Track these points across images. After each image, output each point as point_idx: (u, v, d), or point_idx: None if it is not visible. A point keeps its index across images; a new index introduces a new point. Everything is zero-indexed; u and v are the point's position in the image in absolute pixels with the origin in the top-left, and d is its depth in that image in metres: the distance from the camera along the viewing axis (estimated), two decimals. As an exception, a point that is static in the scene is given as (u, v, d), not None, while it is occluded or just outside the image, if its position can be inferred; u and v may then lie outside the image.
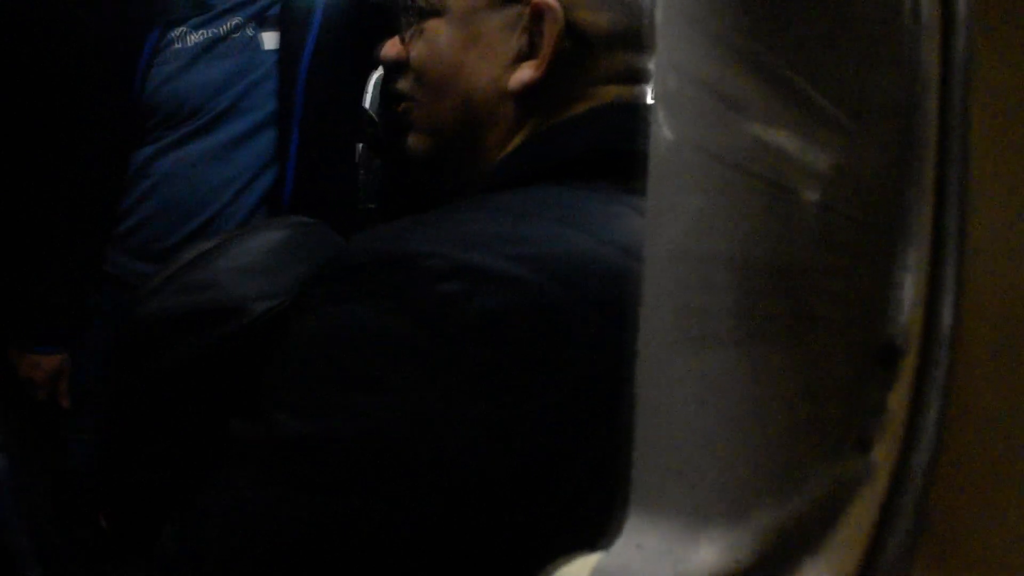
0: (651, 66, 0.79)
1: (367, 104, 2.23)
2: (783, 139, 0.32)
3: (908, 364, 0.30)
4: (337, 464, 0.62)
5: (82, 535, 0.85)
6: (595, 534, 0.39)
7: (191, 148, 1.74)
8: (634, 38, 0.77)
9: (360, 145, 2.21)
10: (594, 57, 0.77)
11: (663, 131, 0.36)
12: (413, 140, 0.83)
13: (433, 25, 0.80)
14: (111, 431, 0.92)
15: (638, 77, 0.79)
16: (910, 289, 0.30)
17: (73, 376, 1.79)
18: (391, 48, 0.84)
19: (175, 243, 1.72)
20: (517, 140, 0.78)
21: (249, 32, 1.78)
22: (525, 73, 0.76)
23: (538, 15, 0.75)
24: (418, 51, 0.81)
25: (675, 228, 0.34)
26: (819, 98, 0.31)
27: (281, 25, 1.78)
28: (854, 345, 0.30)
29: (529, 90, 0.76)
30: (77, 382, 1.79)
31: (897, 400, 0.30)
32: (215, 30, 1.76)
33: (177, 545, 0.65)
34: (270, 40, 1.78)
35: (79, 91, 1.73)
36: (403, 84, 0.83)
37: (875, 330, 0.30)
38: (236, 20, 1.77)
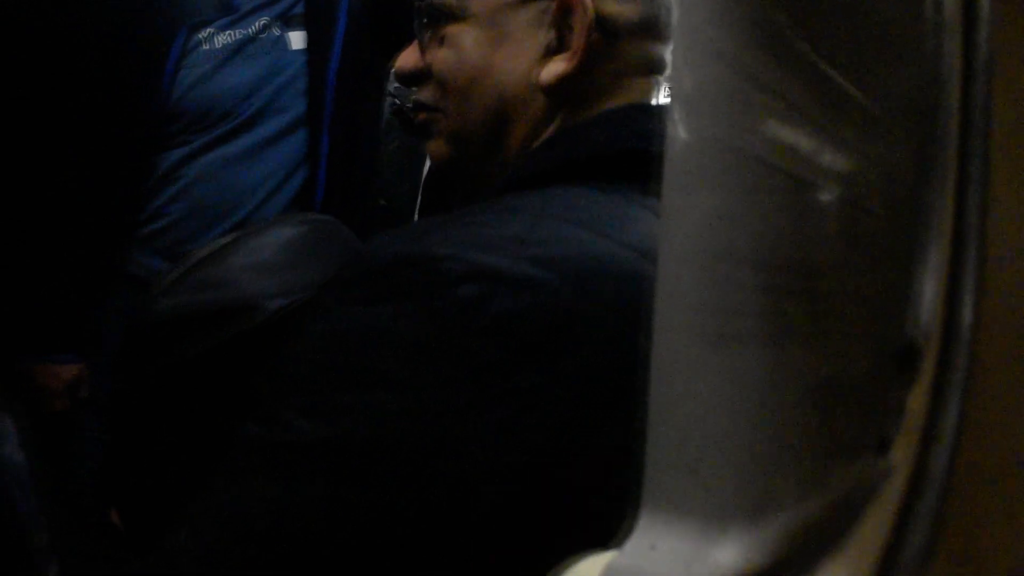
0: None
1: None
2: (802, 136, 0.32)
3: (928, 364, 0.30)
4: (352, 465, 0.62)
5: (95, 533, 0.85)
6: (608, 533, 0.39)
7: (222, 151, 1.74)
8: (659, 29, 0.78)
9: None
10: (622, 48, 0.77)
11: (679, 130, 0.36)
12: (435, 147, 0.83)
13: (455, 30, 0.79)
14: (122, 428, 0.92)
15: (664, 69, 0.79)
16: (930, 288, 0.30)
17: (94, 376, 1.79)
18: (409, 59, 0.83)
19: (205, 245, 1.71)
20: (546, 134, 0.78)
21: (276, 32, 1.77)
22: (558, 66, 0.76)
23: (566, 9, 0.75)
24: (441, 58, 0.80)
25: (692, 226, 0.34)
26: (839, 95, 0.31)
27: (307, 24, 1.78)
28: (874, 344, 0.30)
29: (561, 83, 0.76)
30: (98, 382, 1.78)
31: (916, 400, 0.30)
32: (243, 31, 1.75)
33: (188, 547, 0.65)
34: (297, 40, 1.77)
35: (102, 96, 1.73)
36: (424, 94, 0.82)
37: (895, 330, 0.30)
38: (263, 20, 1.76)
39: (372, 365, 0.63)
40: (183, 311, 0.82)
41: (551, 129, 0.78)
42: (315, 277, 0.81)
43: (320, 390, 0.64)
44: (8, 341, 1.74)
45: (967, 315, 0.30)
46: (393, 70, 0.85)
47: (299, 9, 1.78)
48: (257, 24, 1.76)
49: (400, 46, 0.86)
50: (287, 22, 1.78)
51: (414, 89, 0.84)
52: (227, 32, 1.75)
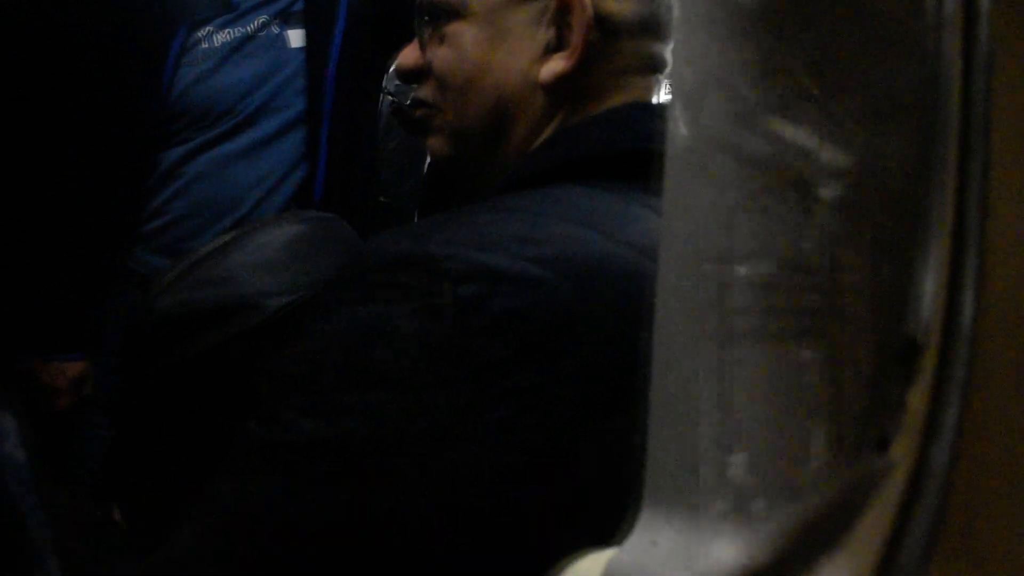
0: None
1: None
2: (803, 134, 0.32)
3: (928, 361, 0.30)
4: (353, 465, 0.62)
5: (97, 531, 0.85)
6: (609, 530, 0.39)
7: (222, 149, 1.74)
8: (658, 26, 0.78)
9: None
10: (621, 46, 0.77)
11: (680, 127, 0.36)
12: (435, 144, 0.83)
13: (455, 28, 0.79)
14: (124, 426, 0.92)
15: (663, 67, 0.79)
16: (931, 285, 0.30)
17: (97, 373, 1.79)
18: (409, 56, 0.83)
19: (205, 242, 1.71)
20: (547, 133, 0.78)
21: (275, 30, 1.77)
22: (557, 64, 0.76)
23: (565, 7, 0.75)
24: (441, 56, 0.80)
25: (692, 225, 0.34)
26: (839, 93, 0.31)
27: (306, 22, 1.78)
28: (874, 342, 0.30)
29: (560, 81, 0.76)
30: (101, 379, 1.79)
31: (917, 397, 0.30)
32: (242, 29, 1.76)
33: (190, 546, 0.65)
34: (296, 38, 1.78)
35: (103, 95, 1.73)
36: (424, 92, 0.82)
37: (895, 327, 0.30)
38: (262, 18, 1.76)
39: (373, 365, 0.63)
40: (183, 309, 0.82)
41: (551, 128, 0.78)
42: (316, 275, 0.81)
43: (321, 390, 0.64)
44: (12, 340, 1.75)
45: (968, 312, 0.30)
46: (393, 68, 0.85)
47: (298, 7, 1.78)
48: (256, 22, 1.76)
49: (401, 44, 0.86)
50: (286, 20, 1.78)
51: (414, 87, 0.84)
52: (226, 30, 1.75)
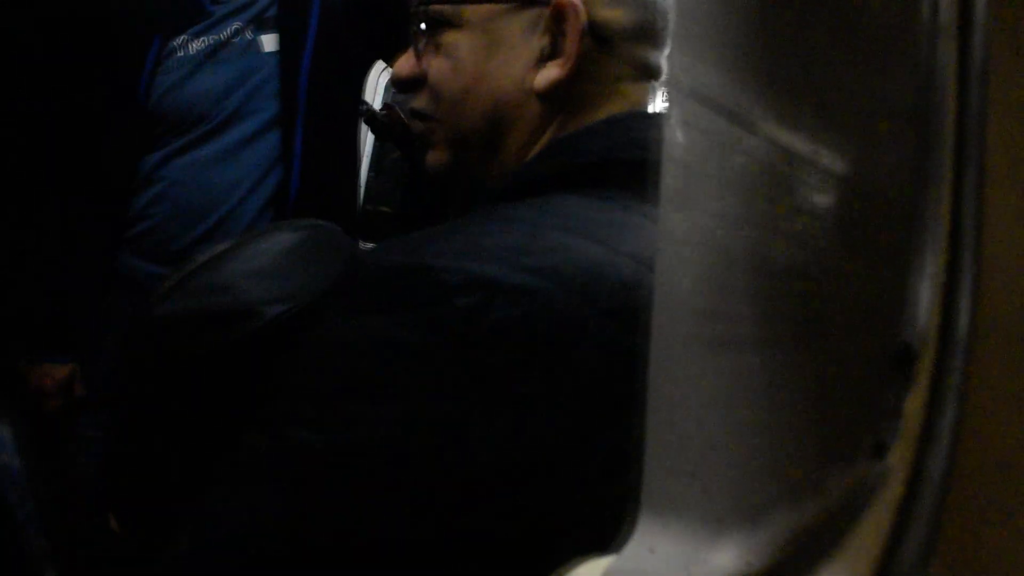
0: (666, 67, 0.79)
1: (373, 101, 2.22)
2: (799, 142, 0.32)
3: (924, 367, 0.30)
4: (353, 475, 0.62)
5: (92, 536, 0.85)
6: (607, 537, 0.39)
7: (198, 153, 1.77)
8: (653, 34, 0.78)
9: (370, 147, 2.21)
10: (615, 54, 0.77)
11: (677, 134, 0.36)
12: (433, 156, 0.83)
13: (450, 38, 0.79)
14: (121, 433, 0.92)
15: (659, 74, 0.79)
16: (926, 292, 0.30)
17: (87, 377, 1.80)
18: (405, 66, 0.83)
19: (186, 245, 1.74)
20: (543, 141, 0.78)
21: (248, 36, 1.80)
22: (552, 72, 0.76)
23: (559, 15, 0.75)
24: (437, 66, 0.80)
25: (689, 231, 0.34)
26: (835, 100, 0.31)
27: (279, 27, 1.80)
28: (870, 348, 0.30)
29: (555, 88, 0.76)
30: (91, 383, 1.80)
31: (913, 404, 0.30)
32: (216, 36, 1.78)
33: (190, 556, 0.65)
34: (270, 42, 1.80)
35: (85, 103, 1.75)
36: (420, 102, 0.82)
37: (891, 333, 0.30)
38: (236, 25, 1.79)
39: (373, 375, 0.63)
40: (182, 316, 0.82)
41: (547, 136, 0.78)
42: (314, 283, 0.81)
43: (322, 400, 0.64)
44: (3, 345, 1.76)
45: (963, 318, 0.30)
46: (388, 78, 0.86)
47: (271, 12, 1.80)
48: (230, 29, 1.79)
49: (383, 45, 0.86)
50: (260, 25, 1.80)
51: (407, 96, 0.84)
52: (201, 38, 1.78)
